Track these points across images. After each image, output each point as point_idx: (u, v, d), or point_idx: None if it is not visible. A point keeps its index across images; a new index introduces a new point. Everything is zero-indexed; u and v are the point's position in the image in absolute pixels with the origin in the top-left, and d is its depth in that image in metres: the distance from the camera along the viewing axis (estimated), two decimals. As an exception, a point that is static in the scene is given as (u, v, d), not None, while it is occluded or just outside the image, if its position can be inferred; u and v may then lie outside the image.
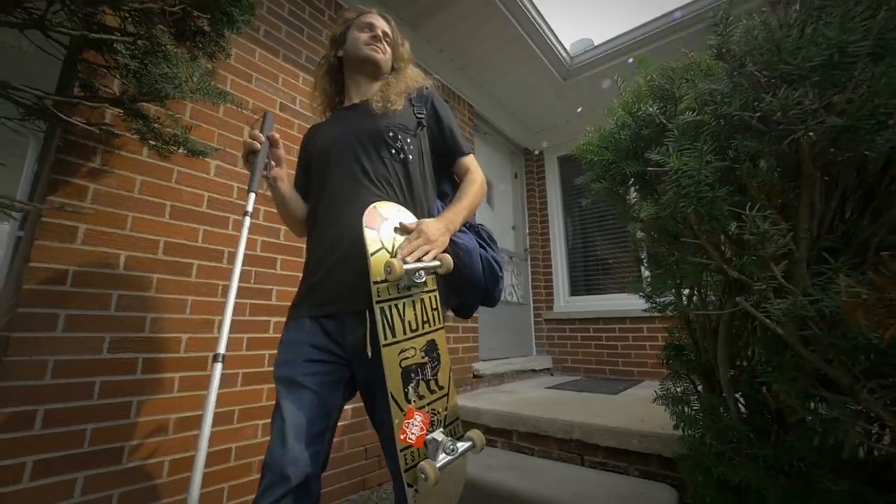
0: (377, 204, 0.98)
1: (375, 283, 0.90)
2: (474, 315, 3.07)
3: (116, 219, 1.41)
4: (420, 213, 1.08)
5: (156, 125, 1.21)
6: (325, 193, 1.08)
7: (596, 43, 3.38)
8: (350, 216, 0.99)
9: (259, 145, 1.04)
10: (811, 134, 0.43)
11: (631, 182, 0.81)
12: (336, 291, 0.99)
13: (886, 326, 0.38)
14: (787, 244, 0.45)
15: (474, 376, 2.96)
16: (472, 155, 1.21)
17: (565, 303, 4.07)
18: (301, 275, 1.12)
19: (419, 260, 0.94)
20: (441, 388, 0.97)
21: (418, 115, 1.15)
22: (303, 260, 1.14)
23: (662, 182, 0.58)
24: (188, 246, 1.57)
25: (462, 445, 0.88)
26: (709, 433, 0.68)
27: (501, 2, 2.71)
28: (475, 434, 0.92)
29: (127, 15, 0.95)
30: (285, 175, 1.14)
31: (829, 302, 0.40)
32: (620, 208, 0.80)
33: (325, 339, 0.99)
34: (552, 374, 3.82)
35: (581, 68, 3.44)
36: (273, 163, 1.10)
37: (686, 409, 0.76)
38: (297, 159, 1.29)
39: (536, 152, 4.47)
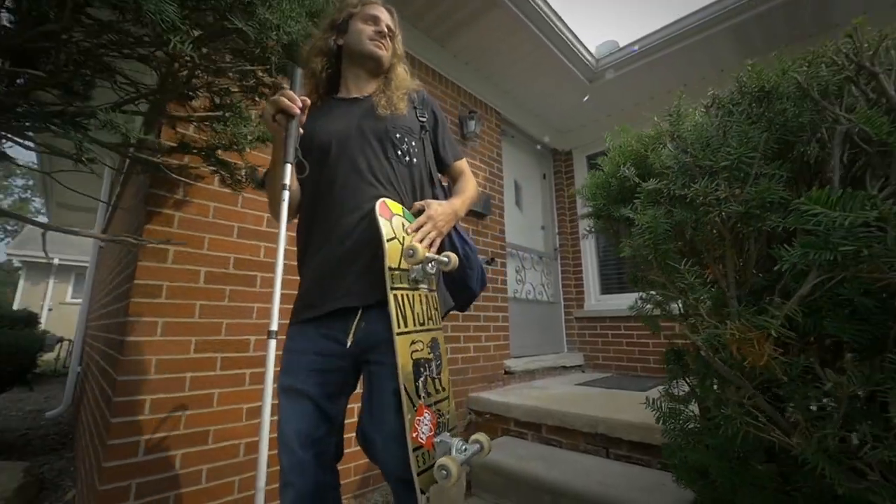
0: (385, 199, 0.99)
1: (391, 268, 0.90)
2: (505, 314, 3.23)
3: (196, 241, 1.68)
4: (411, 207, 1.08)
5: (234, 168, 1.46)
6: (326, 188, 1.04)
7: (621, 45, 3.41)
8: (356, 213, 0.99)
9: (297, 110, 0.94)
10: (723, 214, 0.56)
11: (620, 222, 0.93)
12: (344, 288, 0.97)
13: (748, 355, 0.51)
14: (708, 291, 0.58)
15: (506, 373, 3.11)
16: (464, 158, 1.28)
17: (596, 301, 4.12)
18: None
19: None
20: (444, 388, 0.97)
21: (420, 119, 1.18)
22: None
23: (634, 230, 0.72)
24: (252, 261, 1.83)
25: (471, 448, 0.86)
26: (677, 427, 0.81)
27: (525, 15, 2.82)
28: (482, 437, 0.89)
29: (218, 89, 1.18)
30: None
31: (722, 335, 0.53)
32: (614, 241, 0.93)
33: (328, 342, 0.97)
34: (583, 371, 3.90)
35: (606, 70, 3.48)
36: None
37: (663, 407, 0.89)
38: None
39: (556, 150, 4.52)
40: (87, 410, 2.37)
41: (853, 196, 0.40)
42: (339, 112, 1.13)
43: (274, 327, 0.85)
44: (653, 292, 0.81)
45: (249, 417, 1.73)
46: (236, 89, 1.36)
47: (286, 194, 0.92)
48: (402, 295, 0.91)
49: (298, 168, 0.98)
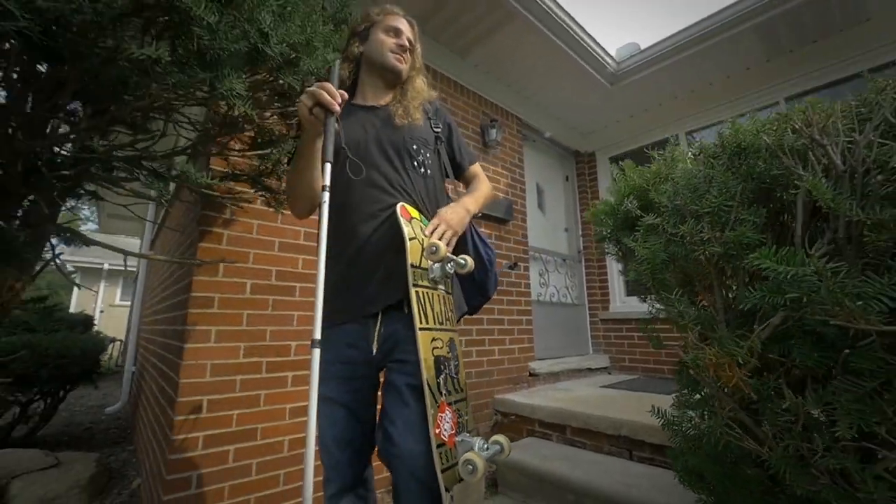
0: (405, 204, 1.02)
1: (413, 266, 0.92)
2: (529, 317, 3.30)
3: (242, 256, 1.85)
4: (426, 218, 1.10)
5: (276, 191, 1.61)
6: (343, 194, 1.04)
7: (643, 47, 3.40)
8: (373, 221, 1.01)
9: (338, 106, 0.92)
10: (707, 252, 0.63)
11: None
12: (362, 296, 0.99)
13: (721, 377, 0.58)
14: (698, 316, 0.65)
15: (530, 375, 3.18)
16: (478, 162, 1.32)
17: (621, 303, 4.12)
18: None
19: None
20: (461, 389, 0.98)
21: (435, 130, 1.20)
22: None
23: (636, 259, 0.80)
24: (292, 272, 1.99)
25: (493, 448, 0.87)
26: (679, 433, 0.88)
27: (543, 24, 2.88)
28: (502, 438, 0.89)
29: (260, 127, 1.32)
30: None
31: (702, 358, 0.61)
32: (623, 263, 1.00)
33: (350, 350, 0.99)
34: (609, 373, 3.91)
35: (628, 73, 3.48)
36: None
37: (667, 413, 0.95)
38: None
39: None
40: (146, 408, 2.61)
41: (792, 254, 0.47)
42: (357, 119, 1.13)
43: (317, 335, 0.84)
44: (659, 306, 0.88)
45: (292, 416, 1.89)
46: (276, 120, 1.51)
47: (326, 196, 0.89)
48: (423, 292, 0.92)
49: (354, 169, 0.98)
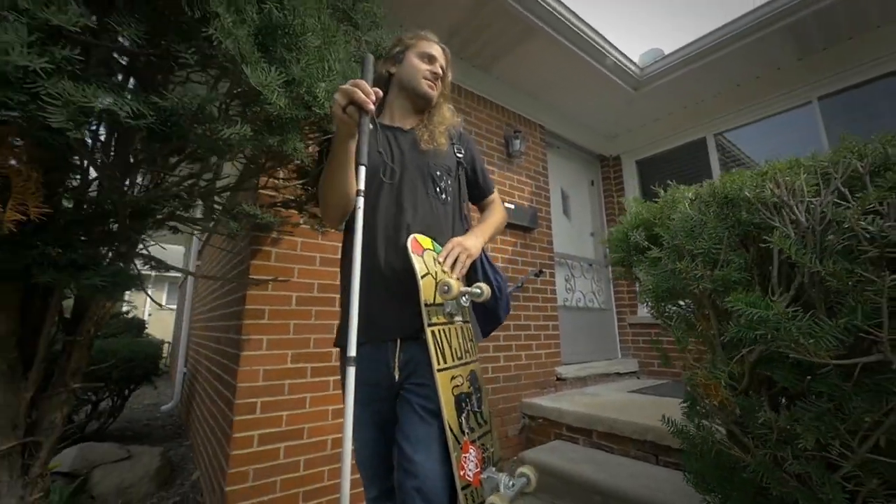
0: (415, 235, 1.00)
1: (427, 305, 0.90)
2: (555, 322, 3.37)
3: (288, 271, 2.04)
4: (444, 244, 1.09)
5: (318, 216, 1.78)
6: (369, 214, 1.03)
7: (666, 52, 3.41)
8: (393, 246, 1.01)
9: (372, 106, 0.88)
10: (700, 287, 0.71)
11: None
12: (383, 320, 0.99)
13: (709, 395, 0.67)
14: (696, 339, 0.74)
15: (557, 379, 3.25)
16: (496, 191, 1.34)
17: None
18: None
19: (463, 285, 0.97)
20: (486, 422, 0.97)
21: (458, 155, 1.21)
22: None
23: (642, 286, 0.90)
24: (332, 285, 2.17)
25: (518, 483, 0.86)
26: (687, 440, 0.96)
27: (564, 37, 2.95)
28: (528, 469, 0.89)
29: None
30: None
31: (694, 378, 0.70)
32: (634, 285, 1.07)
33: (371, 372, 0.98)
34: (638, 377, 3.91)
35: (652, 78, 3.49)
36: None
37: (675, 422, 1.03)
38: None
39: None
40: (201, 407, 2.87)
41: (759, 298, 0.56)
42: (382, 139, 1.12)
43: (352, 353, 0.80)
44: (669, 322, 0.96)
45: (334, 417, 2.06)
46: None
47: (361, 201, 0.87)
48: (439, 330, 0.91)
49: (390, 174, 0.98)
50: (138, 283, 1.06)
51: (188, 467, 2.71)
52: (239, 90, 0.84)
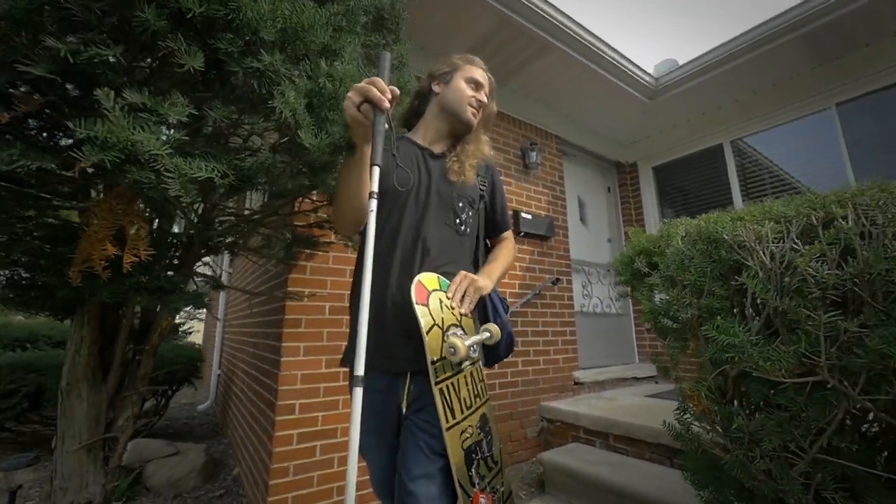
0: (420, 277, 0.94)
1: (433, 362, 0.86)
2: (573, 328, 3.46)
3: (322, 283, 2.22)
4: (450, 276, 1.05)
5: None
6: (389, 234, 1.02)
7: (680, 63, 3.47)
8: (407, 276, 0.96)
9: (388, 104, 0.84)
10: (688, 313, 0.84)
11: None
12: (394, 352, 0.96)
13: (693, 404, 0.78)
14: (685, 354, 0.85)
15: (575, 383, 3.34)
16: (511, 229, 1.30)
17: (667, 312, 4.14)
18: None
19: (462, 324, 0.96)
20: (496, 463, 0.96)
21: (481, 188, 1.17)
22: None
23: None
24: (360, 296, 2.34)
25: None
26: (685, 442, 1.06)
27: (578, 53, 3.06)
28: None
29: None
30: None
31: (683, 390, 0.81)
32: (636, 305, 1.18)
33: (378, 397, 0.97)
34: (657, 382, 3.95)
35: (666, 88, 3.55)
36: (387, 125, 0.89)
37: (672, 425, 1.13)
38: None
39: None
40: (239, 408, 3.08)
41: (728, 327, 0.67)
42: (414, 159, 1.11)
43: (360, 372, 0.74)
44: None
45: (364, 418, 2.22)
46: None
47: (374, 204, 0.82)
48: (446, 387, 0.87)
49: (400, 180, 0.94)
50: (207, 302, 1.24)
51: (229, 463, 2.93)
52: (286, 139, 1.00)
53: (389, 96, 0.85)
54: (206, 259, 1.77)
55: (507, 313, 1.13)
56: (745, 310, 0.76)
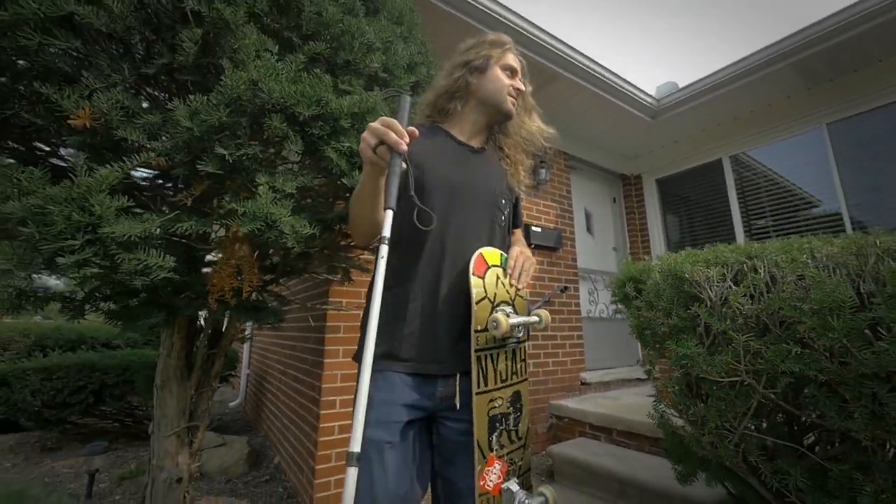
0: (483, 250, 0.96)
1: (476, 331, 0.89)
2: (580, 332, 3.73)
3: (357, 294, 2.53)
4: None
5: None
6: (436, 235, 0.99)
7: (680, 85, 3.72)
8: (462, 279, 0.95)
9: (405, 146, 0.82)
10: (663, 329, 1.10)
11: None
12: (442, 350, 0.95)
13: (664, 399, 1.05)
14: (659, 361, 1.12)
15: (582, 384, 3.61)
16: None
17: (670, 317, 4.39)
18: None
19: (517, 310, 0.97)
20: (520, 438, 0.97)
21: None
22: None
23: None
24: (390, 305, 2.64)
25: (535, 501, 0.85)
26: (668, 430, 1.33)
27: (583, 80, 3.33)
28: (548, 490, 0.87)
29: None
30: None
31: (658, 387, 1.08)
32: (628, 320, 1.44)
33: (412, 394, 0.93)
34: (660, 383, 4.20)
35: (667, 108, 3.80)
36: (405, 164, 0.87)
37: (653, 415, 1.39)
38: None
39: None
40: (276, 404, 3.41)
41: (684, 342, 0.94)
42: (455, 156, 1.08)
43: (356, 448, 0.70)
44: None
45: (394, 413, 2.53)
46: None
47: (384, 250, 0.79)
48: (485, 356, 0.90)
49: (423, 219, 0.90)
50: (283, 316, 1.55)
51: (268, 454, 3.24)
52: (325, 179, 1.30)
53: (407, 139, 0.82)
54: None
55: (535, 307, 1.20)
56: (698, 329, 1.02)
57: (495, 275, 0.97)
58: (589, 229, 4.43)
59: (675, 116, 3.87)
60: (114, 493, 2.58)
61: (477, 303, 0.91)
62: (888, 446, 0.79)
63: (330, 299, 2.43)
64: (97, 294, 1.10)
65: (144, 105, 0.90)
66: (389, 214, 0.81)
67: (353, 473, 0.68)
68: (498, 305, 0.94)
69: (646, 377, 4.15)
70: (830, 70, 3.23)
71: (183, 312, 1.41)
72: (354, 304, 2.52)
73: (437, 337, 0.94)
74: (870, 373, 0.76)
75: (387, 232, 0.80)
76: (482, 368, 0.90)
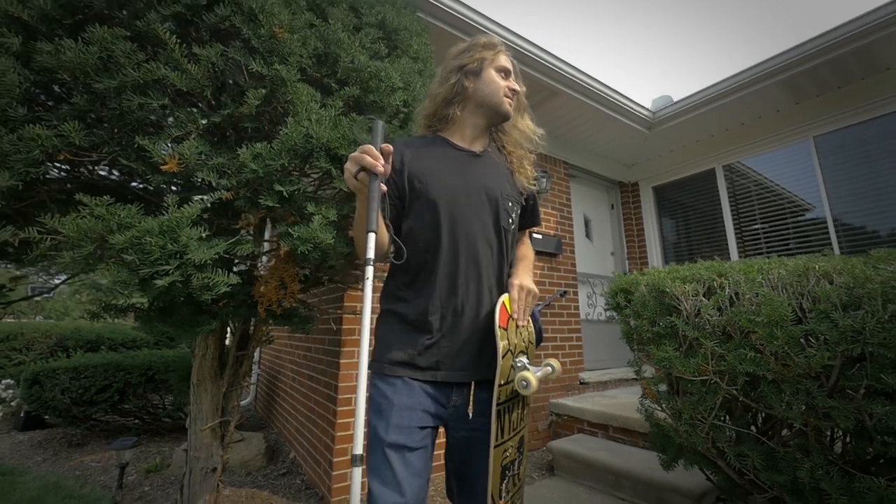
0: (504, 298, 0.98)
1: (500, 385, 0.91)
2: (578, 334, 3.91)
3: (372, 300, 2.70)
4: (504, 278, 1.08)
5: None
6: (448, 245, 1.00)
7: (675, 99, 3.90)
8: (477, 288, 0.99)
9: (381, 168, 0.86)
10: (647, 335, 1.29)
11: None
12: (459, 361, 0.97)
13: (648, 395, 1.22)
14: (644, 361, 1.30)
15: (581, 383, 3.79)
16: None
17: (666, 319, 4.56)
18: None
19: (527, 348, 1.02)
20: (520, 480, 1.00)
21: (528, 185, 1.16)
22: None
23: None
24: (400, 309, 2.82)
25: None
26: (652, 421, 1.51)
27: (582, 94, 3.51)
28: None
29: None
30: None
31: (643, 384, 1.26)
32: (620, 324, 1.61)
33: (430, 402, 0.95)
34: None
35: (663, 120, 3.98)
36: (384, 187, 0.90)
37: (648, 410, 1.57)
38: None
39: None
40: (290, 402, 3.58)
41: (665, 348, 1.12)
42: (457, 164, 1.09)
43: (358, 450, 0.75)
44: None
45: (405, 410, 2.70)
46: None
47: (370, 271, 0.83)
48: (504, 408, 0.93)
49: (396, 254, 0.95)
50: (313, 323, 1.73)
51: (283, 449, 3.42)
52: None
53: (382, 161, 0.86)
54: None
55: (538, 308, 1.16)
56: (677, 336, 1.20)
57: (514, 324, 0.99)
58: (588, 235, 4.60)
59: (670, 128, 4.05)
60: (142, 484, 2.76)
61: (503, 356, 0.92)
62: (829, 433, 0.97)
63: (345, 304, 2.61)
64: (160, 304, 1.27)
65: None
66: (371, 237, 0.84)
67: (357, 472, 0.74)
68: (517, 356, 0.96)
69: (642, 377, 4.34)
70: (816, 87, 3.41)
71: (231, 320, 1.59)
72: (375, 309, 2.69)
73: (454, 348, 0.97)
74: (804, 373, 0.93)
75: (370, 254, 0.83)
76: (501, 421, 0.92)
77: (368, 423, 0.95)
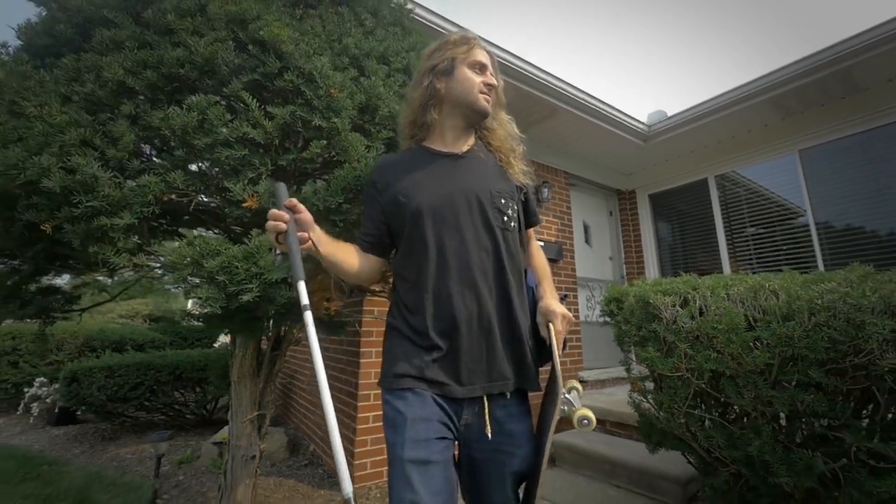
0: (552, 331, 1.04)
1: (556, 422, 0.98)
2: (578, 336, 4.14)
3: (386, 303, 2.94)
4: (518, 282, 1.05)
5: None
6: (438, 258, 0.98)
7: (669, 114, 4.14)
8: (476, 296, 0.97)
9: (284, 224, 0.88)
10: (636, 338, 1.52)
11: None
12: (465, 373, 0.95)
13: (636, 391, 1.46)
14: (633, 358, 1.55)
15: (580, 381, 4.02)
16: None
17: (661, 321, 4.80)
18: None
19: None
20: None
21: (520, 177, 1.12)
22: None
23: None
24: (414, 312, 3.06)
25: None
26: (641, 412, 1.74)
27: (581, 111, 3.74)
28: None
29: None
30: (321, 236, 0.98)
31: (632, 378, 1.52)
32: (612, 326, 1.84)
33: (444, 415, 0.93)
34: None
35: (657, 133, 4.22)
36: (305, 234, 0.92)
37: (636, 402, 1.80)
38: (364, 198, 1.19)
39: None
40: (308, 398, 3.82)
41: (650, 352, 1.36)
42: (438, 171, 1.06)
43: (347, 491, 0.77)
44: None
45: (419, 406, 2.95)
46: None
47: (309, 316, 0.84)
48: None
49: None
50: (346, 327, 1.97)
51: (302, 443, 3.66)
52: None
53: (286, 218, 0.88)
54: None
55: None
56: (659, 339, 1.43)
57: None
58: (587, 241, 4.84)
59: (664, 140, 4.29)
60: (176, 474, 3.00)
61: (566, 392, 1.00)
62: (779, 417, 1.20)
63: (364, 308, 2.85)
64: (224, 313, 1.51)
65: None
66: (301, 286, 0.86)
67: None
68: (569, 392, 1.01)
69: (640, 376, 4.57)
70: (801, 104, 3.64)
71: (280, 324, 1.82)
72: (384, 312, 2.94)
73: (458, 362, 0.95)
74: (752, 369, 1.17)
75: (304, 300, 0.85)
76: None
77: (386, 440, 0.93)
